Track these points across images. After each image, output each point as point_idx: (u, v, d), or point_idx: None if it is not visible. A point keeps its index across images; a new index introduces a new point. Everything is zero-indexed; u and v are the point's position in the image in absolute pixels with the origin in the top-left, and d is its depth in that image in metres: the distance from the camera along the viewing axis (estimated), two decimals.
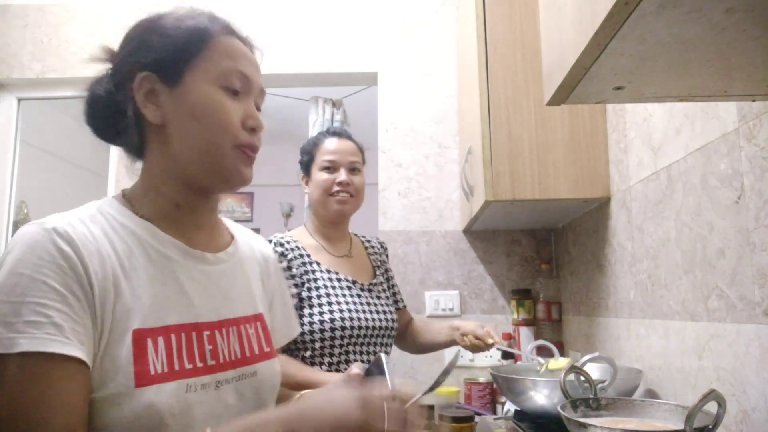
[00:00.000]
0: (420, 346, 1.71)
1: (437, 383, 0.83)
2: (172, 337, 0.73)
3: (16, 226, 2.62)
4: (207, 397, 0.74)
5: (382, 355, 0.82)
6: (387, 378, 0.78)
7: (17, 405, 0.62)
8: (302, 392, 0.94)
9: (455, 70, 2.39)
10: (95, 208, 0.78)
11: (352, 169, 1.56)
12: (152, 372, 0.69)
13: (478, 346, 1.50)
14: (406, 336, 1.71)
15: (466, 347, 1.53)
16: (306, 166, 1.61)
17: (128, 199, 0.82)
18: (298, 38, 2.48)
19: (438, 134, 2.37)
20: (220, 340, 0.79)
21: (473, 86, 1.75)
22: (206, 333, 0.78)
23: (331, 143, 1.57)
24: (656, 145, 1.29)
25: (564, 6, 0.77)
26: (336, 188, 1.53)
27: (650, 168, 1.33)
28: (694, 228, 1.12)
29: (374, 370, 0.83)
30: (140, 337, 0.70)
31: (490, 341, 1.48)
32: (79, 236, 0.70)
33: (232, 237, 0.92)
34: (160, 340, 0.71)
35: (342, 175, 1.54)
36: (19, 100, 2.59)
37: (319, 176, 1.55)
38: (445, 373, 0.86)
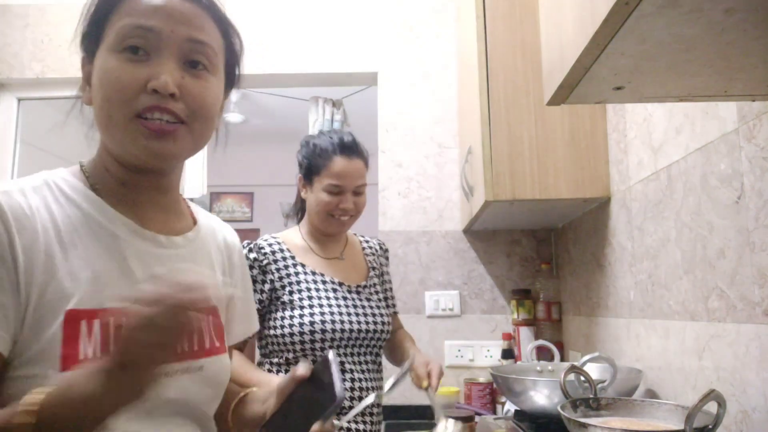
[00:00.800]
0: (389, 360, 1.65)
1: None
2: (111, 320, 0.67)
3: None
4: None
5: (330, 353, 0.77)
6: (334, 380, 0.73)
7: None
8: (247, 389, 0.90)
9: (455, 70, 2.39)
10: (42, 178, 0.73)
11: (357, 193, 1.52)
12: (81, 357, 0.64)
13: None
14: (386, 343, 1.62)
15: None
16: (307, 173, 1.54)
17: (84, 171, 0.77)
18: (298, 38, 2.48)
19: (438, 134, 2.37)
20: None
21: (473, 86, 1.75)
22: None
23: (340, 164, 1.48)
24: (656, 145, 1.29)
25: (564, 6, 0.77)
26: (337, 212, 1.49)
27: (650, 168, 1.33)
28: (694, 228, 1.12)
29: (321, 369, 0.78)
30: (73, 319, 0.65)
31: (424, 385, 1.34)
32: (13, 207, 0.66)
33: (195, 222, 0.86)
34: (96, 324, 0.66)
35: (346, 202, 1.48)
36: (19, 100, 2.59)
37: (322, 196, 1.48)
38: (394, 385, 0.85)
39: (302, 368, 0.79)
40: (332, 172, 1.48)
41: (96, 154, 0.78)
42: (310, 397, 0.77)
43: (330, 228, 1.53)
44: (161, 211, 0.80)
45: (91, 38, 0.74)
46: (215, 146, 0.88)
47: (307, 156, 1.54)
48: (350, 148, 1.51)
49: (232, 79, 0.85)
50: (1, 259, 0.63)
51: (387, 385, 0.99)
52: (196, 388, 0.76)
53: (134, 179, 0.76)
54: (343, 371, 1.40)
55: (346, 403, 1.39)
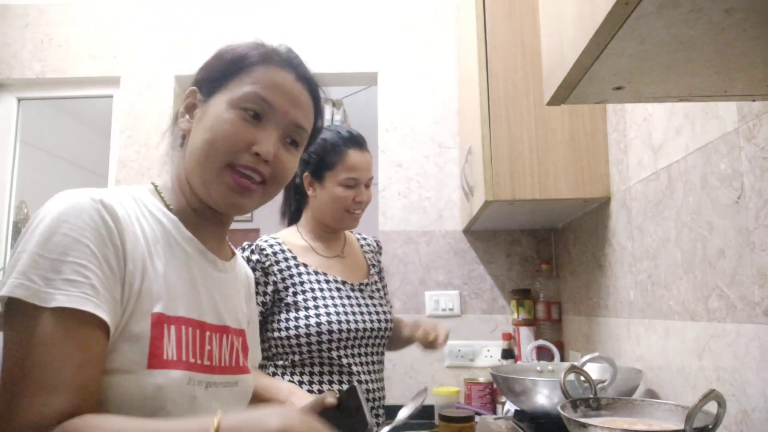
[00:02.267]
0: (390, 343, 1.64)
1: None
2: (183, 328, 0.75)
3: (16, 226, 2.62)
4: (199, 394, 0.75)
5: (356, 384, 0.81)
6: (363, 408, 0.76)
7: (44, 357, 0.63)
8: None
9: (455, 70, 2.39)
10: (128, 192, 0.80)
11: (367, 185, 1.53)
12: (165, 356, 0.71)
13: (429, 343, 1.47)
14: None
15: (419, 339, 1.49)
16: (317, 170, 1.51)
17: (159, 191, 0.85)
18: (299, 38, 2.48)
19: (438, 134, 2.37)
20: (216, 344, 0.81)
21: (473, 86, 1.75)
22: (208, 333, 0.80)
23: (355, 157, 1.49)
24: (656, 145, 1.29)
25: (564, 6, 0.77)
26: (354, 206, 1.49)
27: (650, 168, 1.33)
28: (694, 228, 1.12)
29: (346, 397, 0.82)
30: (159, 321, 0.72)
31: (431, 337, 1.43)
32: (121, 213, 0.73)
33: (233, 253, 0.95)
34: (173, 329, 0.73)
35: (362, 194, 1.50)
36: (19, 100, 2.60)
37: (339, 191, 1.47)
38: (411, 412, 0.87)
39: (331, 396, 0.84)
40: (348, 166, 1.48)
41: (172, 178, 0.86)
42: (338, 423, 0.78)
43: (344, 224, 1.52)
44: (217, 239, 0.89)
45: (214, 83, 0.83)
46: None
47: (316, 152, 1.50)
48: (360, 141, 1.53)
49: (306, 147, 0.94)
50: (115, 255, 0.70)
51: (402, 414, 1.01)
52: (232, 402, 0.83)
53: (206, 211, 0.85)
54: (350, 374, 1.40)
55: None
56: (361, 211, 1.53)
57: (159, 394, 0.69)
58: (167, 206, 0.82)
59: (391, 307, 1.68)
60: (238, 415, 0.62)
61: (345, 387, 1.39)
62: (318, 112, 0.92)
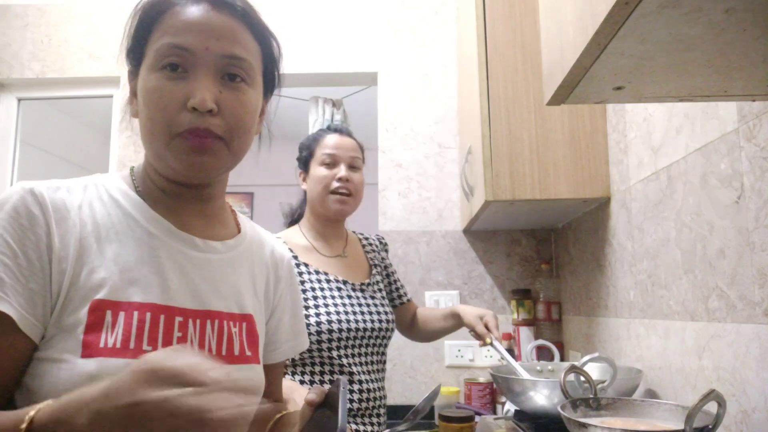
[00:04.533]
0: (429, 335, 1.70)
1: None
2: (135, 314, 0.69)
3: None
4: None
5: (342, 380, 0.76)
6: (339, 410, 0.72)
7: None
8: (283, 411, 0.89)
9: (455, 70, 2.39)
10: (92, 179, 0.78)
11: (352, 166, 1.54)
12: (101, 344, 0.66)
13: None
14: (413, 327, 1.71)
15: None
16: (304, 162, 1.58)
17: (132, 175, 0.81)
18: (298, 38, 2.48)
19: (438, 134, 2.37)
20: (192, 330, 0.74)
21: (473, 86, 1.75)
22: (178, 319, 0.72)
23: (331, 139, 1.56)
24: (656, 145, 1.29)
25: (564, 6, 0.77)
26: (335, 184, 1.50)
27: (650, 168, 1.33)
28: (694, 228, 1.12)
29: (335, 392, 0.77)
30: (98, 308, 0.67)
31: (488, 340, 1.47)
32: (55, 201, 0.70)
33: (239, 231, 0.87)
34: (122, 315, 0.68)
35: (342, 171, 1.51)
36: (19, 100, 2.59)
37: (318, 171, 1.52)
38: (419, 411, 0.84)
39: (312, 393, 0.77)
40: (325, 146, 1.55)
41: (143, 161, 0.82)
42: (320, 425, 0.76)
43: (330, 207, 1.51)
44: (202, 217, 0.82)
45: (135, 55, 0.77)
46: (259, 148, 0.90)
47: (303, 147, 1.61)
48: (341, 129, 1.60)
49: (272, 84, 0.86)
50: (36, 245, 0.67)
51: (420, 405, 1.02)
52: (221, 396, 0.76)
53: (175, 189, 0.79)
54: (351, 374, 1.40)
55: (356, 405, 1.39)
56: (346, 191, 1.51)
57: (92, 383, 0.62)
58: (136, 189, 0.78)
59: (408, 298, 1.72)
60: (69, 398, 0.55)
61: (347, 388, 1.39)
62: (262, 39, 0.80)
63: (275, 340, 0.90)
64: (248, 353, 0.80)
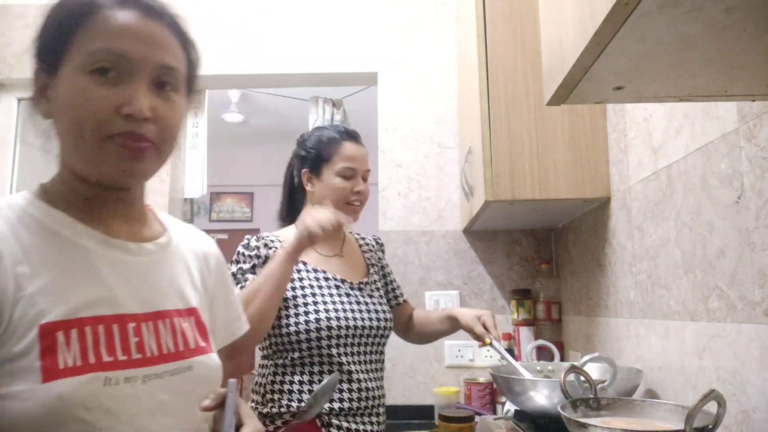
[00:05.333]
0: (426, 337, 1.71)
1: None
2: (87, 329, 0.68)
3: None
4: (133, 392, 0.70)
5: (231, 383, 0.75)
6: (226, 411, 0.71)
7: None
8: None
9: (455, 70, 2.39)
10: (5, 201, 0.74)
11: (364, 178, 1.56)
12: (61, 366, 0.65)
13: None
14: (409, 328, 1.71)
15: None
16: (315, 164, 1.54)
17: (46, 191, 0.78)
18: (298, 38, 2.48)
19: (438, 134, 2.37)
20: (147, 333, 0.74)
21: (473, 86, 1.75)
22: (131, 325, 0.73)
23: (350, 148, 1.53)
24: (656, 145, 1.29)
25: (564, 6, 0.77)
26: (352, 197, 1.52)
27: (650, 168, 1.33)
28: (694, 228, 1.12)
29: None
30: (48, 332, 0.66)
31: (488, 341, 1.47)
32: None
33: (165, 229, 0.88)
34: (74, 333, 0.67)
35: (360, 185, 1.52)
36: (19, 100, 2.59)
37: (337, 181, 1.51)
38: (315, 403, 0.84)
39: (208, 399, 0.76)
40: (344, 156, 1.52)
41: (57, 174, 0.79)
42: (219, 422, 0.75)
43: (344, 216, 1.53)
44: (128, 221, 0.82)
45: (53, 52, 0.74)
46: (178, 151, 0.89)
47: (314, 147, 1.55)
48: (355, 135, 1.58)
49: (190, 89, 0.87)
50: None
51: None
52: (188, 388, 0.77)
53: (99, 195, 0.78)
54: (350, 372, 1.40)
55: (354, 404, 1.39)
56: (360, 204, 1.54)
57: (62, 405, 0.63)
58: (53, 205, 0.75)
59: (404, 299, 1.72)
60: None
61: (346, 386, 1.39)
62: (186, 46, 0.81)
63: (213, 329, 0.91)
64: (202, 344, 0.82)
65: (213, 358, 0.84)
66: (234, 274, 1.41)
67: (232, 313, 0.98)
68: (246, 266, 1.42)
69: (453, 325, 1.58)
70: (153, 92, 0.75)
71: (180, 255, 0.87)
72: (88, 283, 0.72)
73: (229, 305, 0.97)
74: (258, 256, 1.43)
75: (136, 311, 0.75)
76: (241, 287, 1.37)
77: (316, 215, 1.32)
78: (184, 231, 0.92)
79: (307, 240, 1.31)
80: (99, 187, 0.77)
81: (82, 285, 0.71)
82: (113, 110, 0.71)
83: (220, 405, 0.74)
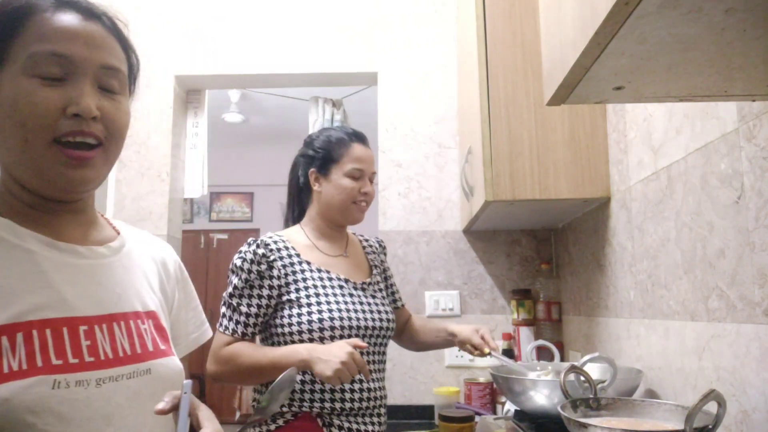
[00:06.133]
0: (419, 345, 1.72)
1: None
2: (34, 333, 0.67)
3: None
4: (86, 395, 0.69)
5: (186, 383, 0.74)
6: (179, 413, 0.69)
7: None
8: None
9: (455, 70, 2.39)
10: None
11: (371, 180, 1.59)
12: (6, 370, 0.64)
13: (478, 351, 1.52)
14: (404, 334, 1.71)
15: (466, 351, 1.54)
16: (323, 164, 1.56)
17: None
18: (298, 38, 2.48)
19: (438, 134, 2.37)
20: (101, 336, 0.73)
21: (473, 86, 1.75)
22: (83, 328, 0.72)
23: (359, 150, 1.56)
24: (656, 145, 1.29)
25: (564, 6, 0.77)
26: (360, 198, 1.54)
27: (650, 168, 1.33)
28: (694, 228, 1.12)
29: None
30: None
31: (486, 351, 1.48)
32: None
33: (118, 233, 0.87)
34: (20, 337, 0.66)
35: (368, 186, 1.56)
36: None
37: (345, 182, 1.53)
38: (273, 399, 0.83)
39: (162, 402, 0.72)
40: (353, 157, 1.55)
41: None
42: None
43: (351, 217, 1.56)
44: (78, 226, 0.80)
45: None
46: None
47: (323, 147, 1.58)
48: (363, 138, 1.61)
49: (131, 91, 0.87)
50: None
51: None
52: (147, 392, 0.76)
53: (44, 204, 0.77)
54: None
55: (356, 404, 1.39)
56: (367, 204, 1.57)
57: (7, 409, 0.62)
58: None
59: (402, 303, 1.72)
60: None
61: (348, 386, 1.39)
62: (126, 48, 0.81)
63: (176, 335, 0.91)
64: (162, 347, 0.81)
65: (174, 361, 0.82)
66: (228, 291, 1.44)
67: (195, 319, 0.98)
68: (240, 283, 1.42)
69: (447, 340, 1.60)
70: (98, 92, 0.74)
71: (135, 259, 0.86)
72: (35, 286, 0.71)
73: (191, 311, 0.97)
74: (259, 271, 1.43)
75: (88, 314, 0.73)
76: (229, 306, 1.42)
77: (342, 365, 1.24)
78: (140, 236, 0.92)
79: (326, 379, 1.26)
80: (41, 196, 0.75)
81: (29, 289, 0.70)
82: (59, 111, 0.71)
83: (176, 408, 0.71)
